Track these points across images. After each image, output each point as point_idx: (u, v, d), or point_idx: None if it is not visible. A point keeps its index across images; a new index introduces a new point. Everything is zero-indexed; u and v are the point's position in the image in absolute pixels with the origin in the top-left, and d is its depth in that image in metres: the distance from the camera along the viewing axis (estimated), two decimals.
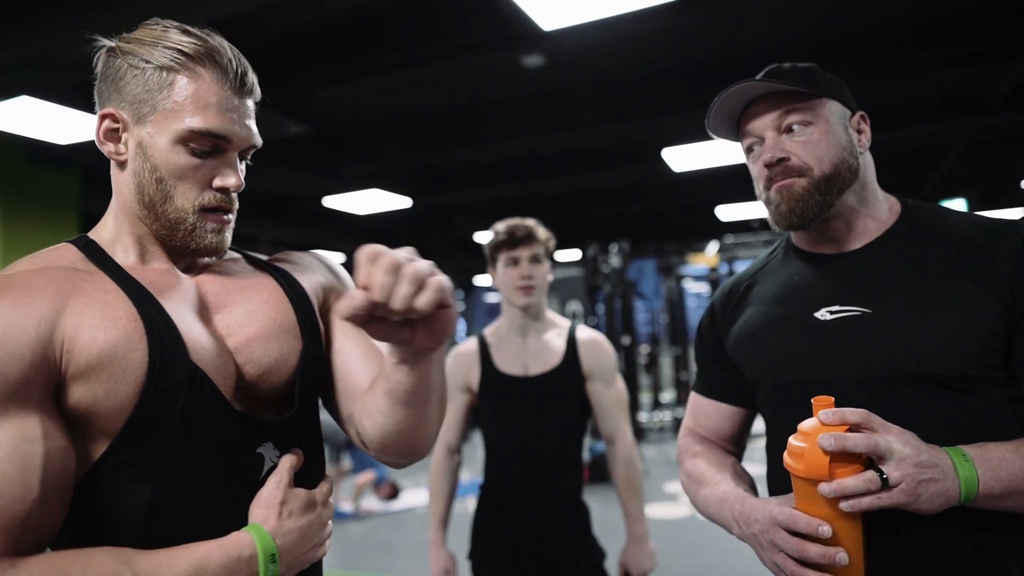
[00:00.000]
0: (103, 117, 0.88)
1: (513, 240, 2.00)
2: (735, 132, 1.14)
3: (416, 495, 6.21)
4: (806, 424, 0.88)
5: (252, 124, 0.92)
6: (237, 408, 0.85)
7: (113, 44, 0.88)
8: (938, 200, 8.23)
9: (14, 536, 0.70)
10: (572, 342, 2.01)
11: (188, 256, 0.92)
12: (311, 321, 0.97)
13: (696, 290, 14.10)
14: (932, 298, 0.96)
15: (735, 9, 4.13)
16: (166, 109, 0.85)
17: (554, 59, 4.65)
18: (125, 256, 0.89)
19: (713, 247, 9.10)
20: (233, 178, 0.89)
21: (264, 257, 1.05)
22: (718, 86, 1.11)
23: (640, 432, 8.07)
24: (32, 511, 0.71)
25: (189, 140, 0.86)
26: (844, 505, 0.81)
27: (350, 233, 10.32)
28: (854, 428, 0.84)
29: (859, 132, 1.09)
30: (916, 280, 0.99)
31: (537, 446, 1.97)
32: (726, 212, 9.23)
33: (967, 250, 0.98)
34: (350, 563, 4.56)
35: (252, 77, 0.92)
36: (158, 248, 0.91)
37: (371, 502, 6.06)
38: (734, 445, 1.25)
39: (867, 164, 1.09)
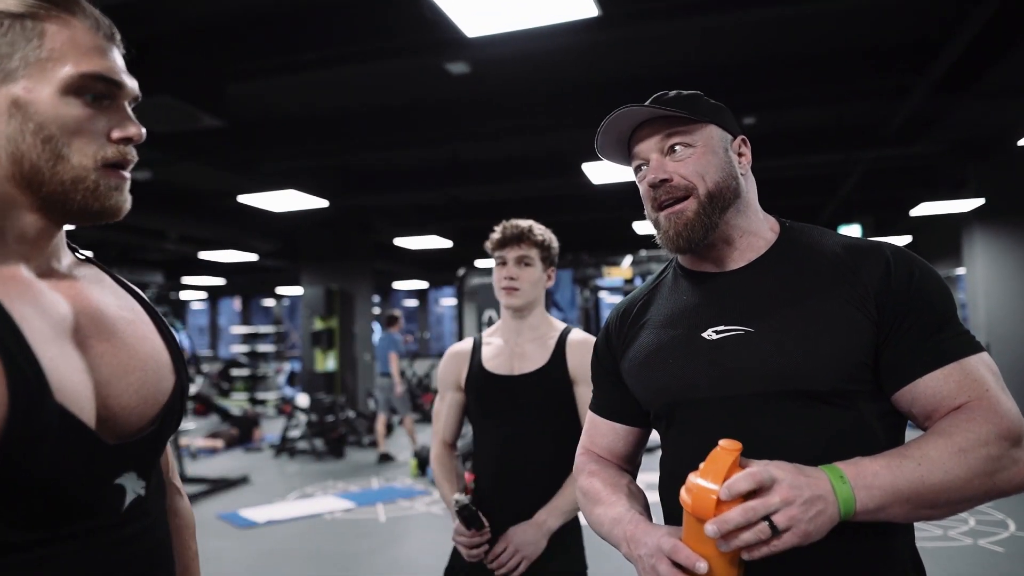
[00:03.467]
0: None
1: (502, 241, 1.97)
2: (626, 155, 1.19)
3: (323, 502, 6.08)
4: (705, 463, 0.90)
5: (129, 75, 0.85)
6: (106, 440, 0.78)
7: None
8: (836, 225, 8.72)
9: None
10: (561, 344, 1.96)
11: (87, 220, 0.82)
12: (180, 356, 0.93)
13: (611, 301, 14.38)
14: (808, 317, 1.03)
15: (656, 32, 4.27)
16: (41, 59, 0.76)
17: (479, 67, 4.67)
18: None
19: (628, 260, 9.33)
20: (133, 127, 0.82)
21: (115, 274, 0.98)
22: (640, 101, 1.15)
23: None
24: None
25: (81, 88, 0.77)
26: (735, 544, 0.84)
27: (265, 231, 10.03)
28: (744, 465, 0.88)
29: (740, 155, 1.15)
30: (793, 299, 1.05)
31: (517, 446, 1.91)
32: (643, 226, 9.49)
33: (838, 271, 1.05)
34: (259, 574, 4.40)
35: (115, 29, 0.85)
36: (17, 241, 0.79)
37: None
38: (629, 463, 1.28)
39: (749, 186, 1.15)
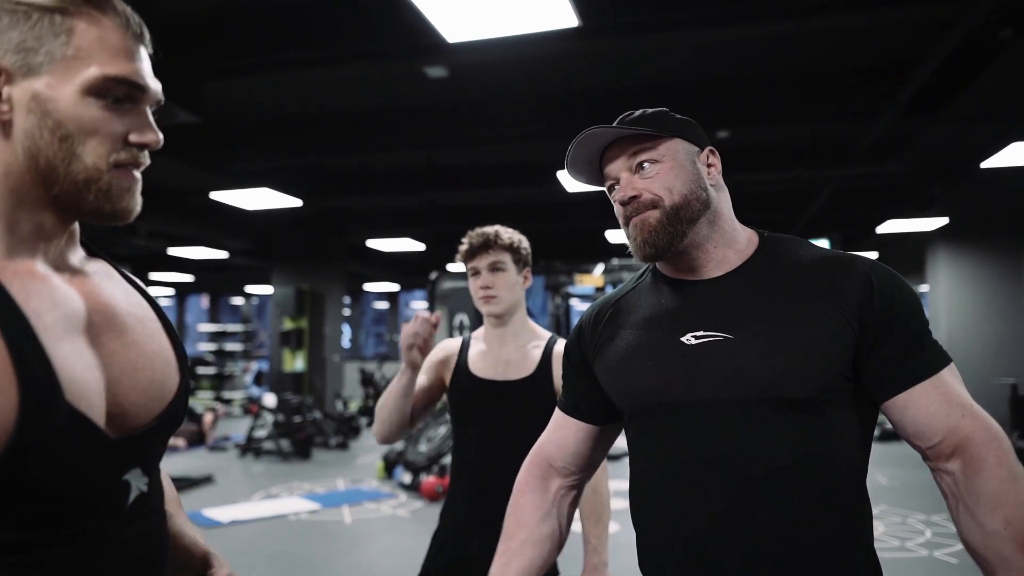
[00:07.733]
0: None
1: (470, 251, 1.95)
2: (599, 176, 1.22)
3: (288, 503, 6.01)
4: None
5: (154, 77, 0.84)
6: (112, 436, 0.77)
7: None
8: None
9: None
10: (548, 354, 1.95)
11: (99, 220, 0.82)
12: (185, 356, 0.93)
13: (582, 309, 14.46)
14: (786, 326, 1.05)
15: (634, 43, 4.32)
16: (67, 56, 0.75)
17: (457, 72, 4.69)
18: None
19: (600, 268, 9.39)
20: (152, 134, 0.80)
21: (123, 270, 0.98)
22: (616, 112, 1.17)
23: None
24: None
25: (102, 90, 0.76)
26: None
27: (236, 229, 9.92)
28: None
29: (709, 166, 1.18)
30: (772, 308, 1.08)
31: (498, 452, 1.87)
32: (615, 235, 9.56)
33: (818, 282, 1.08)
34: None
35: (145, 27, 0.84)
36: (33, 235, 0.79)
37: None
38: (586, 463, 1.30)
39: (721, 196, 1.18)
